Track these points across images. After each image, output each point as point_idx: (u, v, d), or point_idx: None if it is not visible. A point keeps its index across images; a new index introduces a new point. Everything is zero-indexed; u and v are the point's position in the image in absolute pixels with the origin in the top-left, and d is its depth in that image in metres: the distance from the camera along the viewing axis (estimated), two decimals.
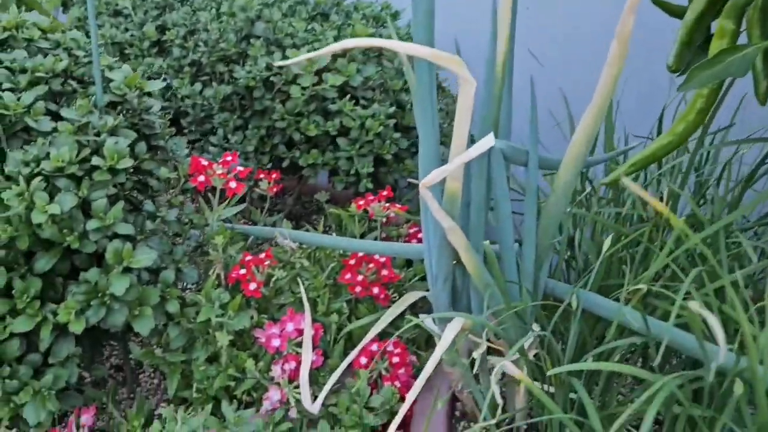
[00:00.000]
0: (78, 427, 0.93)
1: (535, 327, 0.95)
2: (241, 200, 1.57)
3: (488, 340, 1.03)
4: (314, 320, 1.08)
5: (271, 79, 1.32)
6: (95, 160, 0.85)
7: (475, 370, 0.94)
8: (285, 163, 1.36)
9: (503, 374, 0.92)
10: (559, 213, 0.87)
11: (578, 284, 0.88)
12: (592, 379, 0.89)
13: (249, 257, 1.07)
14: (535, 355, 0.93)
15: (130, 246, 0.83)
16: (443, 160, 0.81)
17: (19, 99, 0.85)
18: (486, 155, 0.83)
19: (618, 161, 1.11)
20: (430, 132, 0.81)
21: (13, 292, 0.81)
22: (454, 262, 0.89)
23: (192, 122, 1.41)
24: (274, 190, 1.28)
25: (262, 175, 1.29)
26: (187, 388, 1.02)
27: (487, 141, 0.67)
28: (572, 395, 0.86)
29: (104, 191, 0.84)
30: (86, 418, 0.93)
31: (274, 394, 0.92)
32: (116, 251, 0.83)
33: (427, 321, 1.05)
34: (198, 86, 1.39)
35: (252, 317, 1.06)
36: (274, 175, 1.28)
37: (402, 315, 1.07)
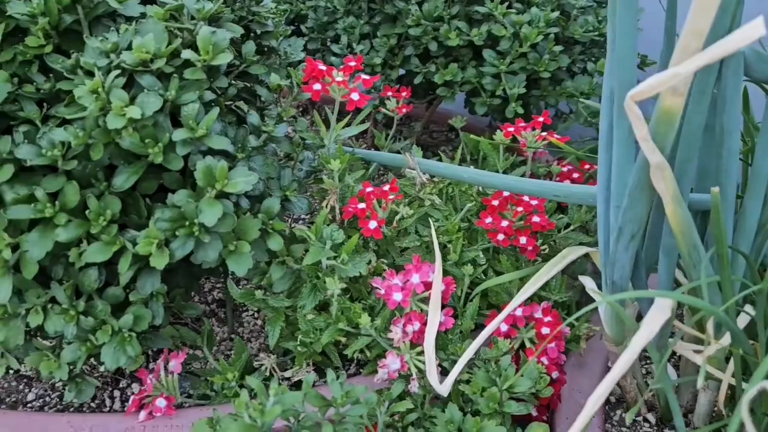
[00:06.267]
0: (166, 371, 0.81)
1: (749, 308, 0.70)
2: (364, 122, 1.38)
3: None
4: (444, 271, 0.88)
5: None
6: (186, 54, 0.67)
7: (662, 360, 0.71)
8: (417, 80, 1.14)
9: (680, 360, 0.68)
10: None
11: None
12: None
13: (370, 188, 0.88)
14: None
15: (225, 165, 0.66)
16: None
17: None
18: (715, 63, 0.58)
19: None
20: (629, 19, 0.56)
21: (87, 212, 0.67)
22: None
23: (313, 28, 1.22)
24: (403, 110, 1.07)
25: (389, 93, 1.08)
26: (292, 338, 0.87)
27: (756, 28, 0.42)
28: None
29: (197, 94, 0.67)
30: (174, 364, 0.80)
31: (392, 362, 0.74)
32: (208, 170, 0.65)
33: (588, 283, 0.82)
34: None
35: (370, 261, 0.88)
36: (404, 93, 1.07)
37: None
